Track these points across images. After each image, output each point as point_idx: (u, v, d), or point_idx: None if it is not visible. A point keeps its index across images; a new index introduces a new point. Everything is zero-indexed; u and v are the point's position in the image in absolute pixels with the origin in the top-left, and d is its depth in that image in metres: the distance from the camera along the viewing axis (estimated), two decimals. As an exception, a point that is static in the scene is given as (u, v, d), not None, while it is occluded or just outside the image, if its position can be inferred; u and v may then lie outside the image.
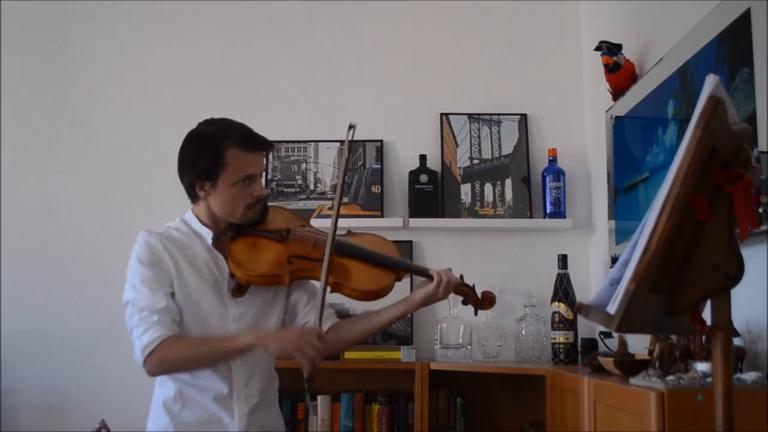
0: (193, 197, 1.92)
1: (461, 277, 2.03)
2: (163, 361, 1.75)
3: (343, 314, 3.03)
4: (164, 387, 1.89)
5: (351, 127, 1.88)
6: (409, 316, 3.02)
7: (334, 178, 3.19)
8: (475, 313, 2.08)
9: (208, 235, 1.90)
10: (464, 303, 2.06)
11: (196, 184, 1.87)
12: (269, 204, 2.00)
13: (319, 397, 2.88)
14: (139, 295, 1.80)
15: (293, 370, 2.43)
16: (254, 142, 1.86)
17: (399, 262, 2.03)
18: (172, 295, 1.83)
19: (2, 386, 3.09)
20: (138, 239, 1.88)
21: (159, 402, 1.88)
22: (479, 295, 2.05)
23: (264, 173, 1.95)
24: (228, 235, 1.92)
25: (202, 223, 1.92)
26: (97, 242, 3.18)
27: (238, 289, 1.89)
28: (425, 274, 1.98)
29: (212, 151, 1.83)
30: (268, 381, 1.96)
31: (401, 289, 2.12)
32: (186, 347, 1.79)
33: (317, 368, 1.71)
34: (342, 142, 1.86)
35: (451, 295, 2.90)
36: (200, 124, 1.91)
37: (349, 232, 2.12)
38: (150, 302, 1.78)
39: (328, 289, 1.87)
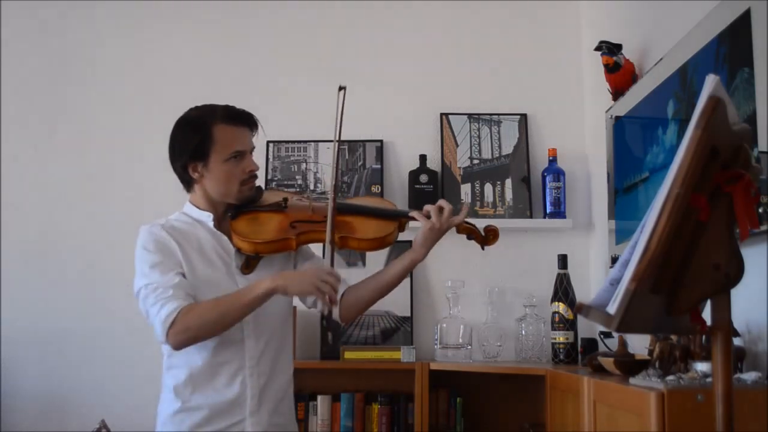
0: (188, 183, 1.95)
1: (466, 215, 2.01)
2: (186, 328, 1.75)
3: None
4: (174, 371, 1.88)
5: (341, 88, 1.94)
6: (410, 316, 3.03)
7: (334, 177, 3.19)
8: (482, 248, 2.04)
9: (208, 218, 1.93)
10: (469, 238, 2.02)
11: (189, 167, 1.90)
12: (268, 189, 2.03)
13: (319, 397, 2.88)
14: (150, 279, 1.81)
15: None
16: (240, 117, 1.93)
17: (397, 211, 2.07)
18: (183, 275, 1.84)
19: (2, 386, 3.09)
20: (140, 233, 1.90)
21: (169, 387, 1.88)
22: (482, 231, 2.02)
23: (253, 149, 1.97)
24: (228, 216, 1.95)
25: (201, 209, 1.95)
26: (97, 242, 3.18)
27: (247, 264, 1.92)
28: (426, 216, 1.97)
29: (200, 131, 1.88)
30: (282, 362, 1.95)
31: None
32: (205, 309, 1.78)
33: (334, 303, 1.76)
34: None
35: (450, 295, 2.96)
36: (185, 112, 1.96)
37: (346, 198, 2.14)
38: (162, 281, 1.80)
39: (338, 245, 1.92)
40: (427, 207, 1.93)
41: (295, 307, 2.13)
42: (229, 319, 1.79)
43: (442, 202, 1.94)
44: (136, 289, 1.84)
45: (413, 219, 1.97)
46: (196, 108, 1.96)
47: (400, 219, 2.01)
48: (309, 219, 1.96)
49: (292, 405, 2.01)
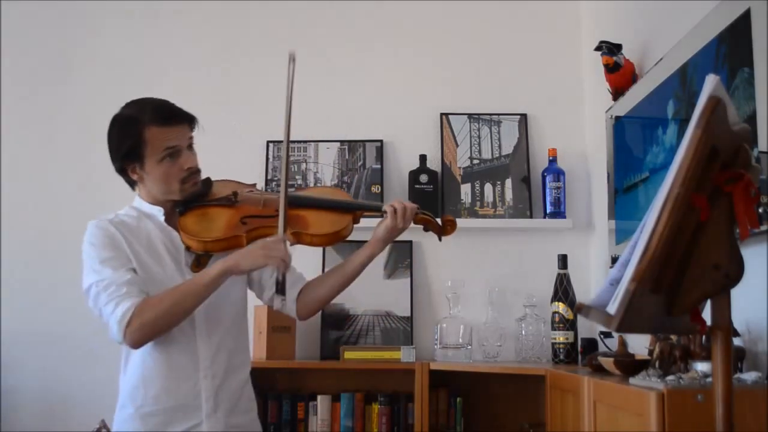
0: (130, 182, 1.92)
1: (418, 207, 1.99)
2: (143, 324, 1.70)
3: (341, 314, 3.03)
4: (128, 376, 1.84)
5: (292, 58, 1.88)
6: (410, 316, 3.03)
7: (335, 177, 3.19)
8: (439, 239, 2.04)
9: (159, 212, 1.88)
10: (425, 230, 2.00)
11: (127, 169, 1.86)
12: (218, 179, 1.99)
13: (319, 397, 2.88)
14: (101, 275, 1.76)
15: (293, 370, 2.42)
16: (170, 116, 1.86)
17: (352, 203, 2.05)
18: (134, 271, 1.79)
19: (2, 386, 3.09)
20: (88, 228, 1.86)
21: (124, 391, 1.85)
22: (439, 222, 2.01)
23: (191, 144, 1.89)
24: (176, 211, 1.89)
25: (151, 203, 1.91)
26: (97, 242, 3.17)
27: (197, 263, 1.86)
28: (379, 209, 1.96)
29: (131, 133, 1.83)
30: (236, 361, 1.91)
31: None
32: (159, 300, 1.73)
33: (286, 267, 1.74)
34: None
35: (450, 295, 2.95)
36: (121, 108, 1.91)
37: (297, 188, 2.09)
38: (114, 278, 1.75)
39: (291, 240, 1.85)
40: (391, 207, 1.91)
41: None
42: (185, 306, 1.75)
43: (403, 202, 1.93)
44: (85, 287, 1.78)
45: (371, 213, 1.97)
46: (130, 104, 1.91)
47: (355, 212, 1.97)
48: (260, 214, 1.90)
49: (253, 404, 1.97)
